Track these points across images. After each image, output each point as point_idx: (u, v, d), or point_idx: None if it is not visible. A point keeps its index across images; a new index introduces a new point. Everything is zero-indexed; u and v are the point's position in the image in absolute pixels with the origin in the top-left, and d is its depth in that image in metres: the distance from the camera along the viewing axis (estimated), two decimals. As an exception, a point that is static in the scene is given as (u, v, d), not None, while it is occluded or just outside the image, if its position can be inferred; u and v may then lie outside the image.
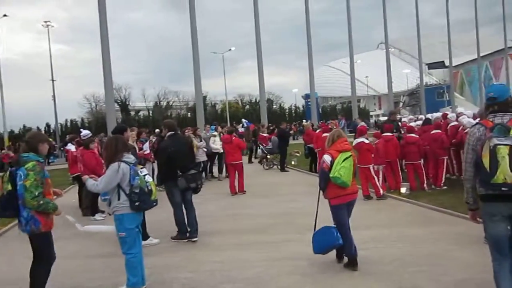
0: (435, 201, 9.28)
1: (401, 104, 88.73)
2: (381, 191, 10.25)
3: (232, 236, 7.72)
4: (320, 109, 58.83)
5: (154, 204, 5.15)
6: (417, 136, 10.98)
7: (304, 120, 41.19)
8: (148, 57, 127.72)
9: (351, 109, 63.13)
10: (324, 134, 12.53)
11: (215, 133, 15.45)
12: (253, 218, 9.06)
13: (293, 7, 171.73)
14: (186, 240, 7.43)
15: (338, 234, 5.56)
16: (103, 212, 9.58)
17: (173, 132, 7.85)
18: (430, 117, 13.07)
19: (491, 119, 3.80)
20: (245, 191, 12.29)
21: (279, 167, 17.67)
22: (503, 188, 3.56)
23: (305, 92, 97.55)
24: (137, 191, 4.92)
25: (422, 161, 10.89)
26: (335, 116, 52.63)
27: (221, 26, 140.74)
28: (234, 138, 12.80)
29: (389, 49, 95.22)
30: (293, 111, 60.99)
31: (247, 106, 61.11)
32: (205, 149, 14.04)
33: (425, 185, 10.74)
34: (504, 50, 66.60)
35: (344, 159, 5.50)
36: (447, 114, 12.50)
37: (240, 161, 12.46)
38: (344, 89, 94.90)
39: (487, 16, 47.14)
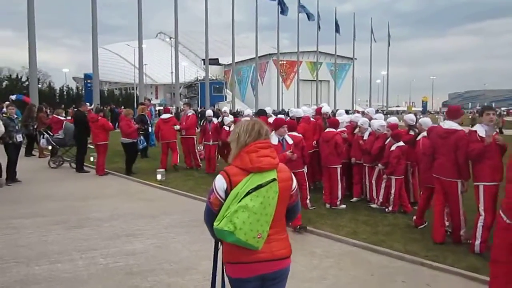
0: (342, 229, 6.58)
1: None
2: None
3: None
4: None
5: None
6: (300, 135, 8.16)
7: (88, 103, 34.75)
8: None
9: (132, 96, 59.34)
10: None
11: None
12: None
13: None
14: None
15: None
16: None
17: None
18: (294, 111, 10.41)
19: None
20: (106, 173, 11.77)
21: (73, 165, 12.68)
22: None
23: (76, 73, 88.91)
24: None
25: (305, 169, 8.16)
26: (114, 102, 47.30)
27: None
28: (100, 118, 11.86)
29: (167, 39, 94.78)
30: (65, 93, 52.37)
31: (6, 82, 49.68)
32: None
33: (307, 201, 8.01)
34: (276, 55, 71.67)
35: (253, 190, 2.42)
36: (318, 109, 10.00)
37: (106, 142, 11.82)
38: (121, 75, 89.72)
39: (253, 22, 50.82)
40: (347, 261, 5.33)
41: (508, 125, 33.64)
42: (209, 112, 12.33)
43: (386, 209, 7.69)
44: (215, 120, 11.90)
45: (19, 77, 51.48)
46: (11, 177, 10.33)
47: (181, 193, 9.28)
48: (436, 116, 53.53)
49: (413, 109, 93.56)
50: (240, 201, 2.40)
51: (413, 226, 6.71)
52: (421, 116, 16.00)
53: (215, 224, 2.43)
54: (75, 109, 16.98)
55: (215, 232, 2.47)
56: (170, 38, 73.14)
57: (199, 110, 40.88)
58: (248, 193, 2.40)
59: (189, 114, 12.43)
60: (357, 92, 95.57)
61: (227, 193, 2.48)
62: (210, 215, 2.54)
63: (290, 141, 6.90)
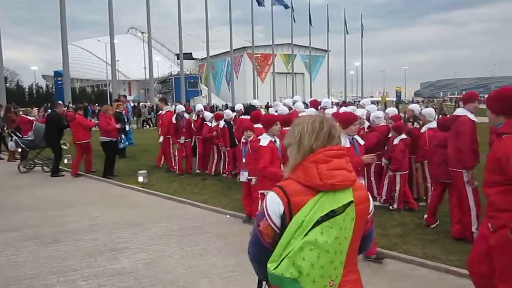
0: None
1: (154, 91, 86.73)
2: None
3: None
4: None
5: None
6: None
7: (60, 102, 33.26)
8: None
9: (105, 93, 57.80)
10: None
11: None
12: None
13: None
14: None
15: None
16: None
17: None
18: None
19: None
20: (94, 171, 11.27)
21: (45, 168, 11.77)
22: None
23: (46, 71, 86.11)
24: None
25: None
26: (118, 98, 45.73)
27: None
28: (77, 116, 11.33)
29: (139, 34, 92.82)
30: (34, 91, 50.52)
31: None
32: None
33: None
34: (250, 48, 71.01)
35: (324, 218, 1.69)
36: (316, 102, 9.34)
37: (86, 141, 11.16)
38: (93, 72, 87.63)
39: (225, 16, 50.55)
40: (368, 271, 4.72)
41: (478, 113, 33.75)
42: (180, 108, 11.25)
43: (391, 207, 7.17)
44: (186, 116, 11.02)
45: (-15, 76, 49.56)
46: (-23, 185, 9.42)
47: (166, 197, 8.55)
48: (410, 106, 53.76)
49: (387, 99, 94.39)
50: (306, 234, 1.67)
51: (425, 225, 6.20)
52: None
53: (270, 266, 1.71)
54: (50, 110, 15.99)
55: (269, 278, 1.74)
56: (142, 33, 71.47)
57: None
58: (317, 223, 1.69)
59: (162, 113, 11.36)
60: (332, 83, 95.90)
61: (284, 219, 1.75)
62: (260, 250, 1.80)
63: (362, 142, 5.25)
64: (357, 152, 4.83)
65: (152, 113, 33.35)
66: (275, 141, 5.51)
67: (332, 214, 1.70)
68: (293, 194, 1.75)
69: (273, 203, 1.77)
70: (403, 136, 7.16)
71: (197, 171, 10.86)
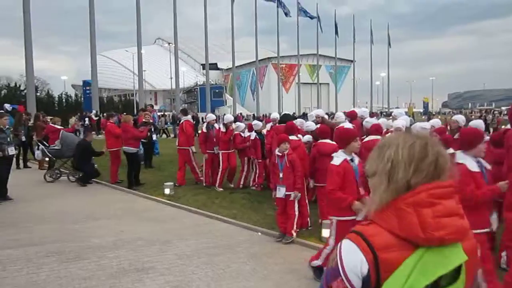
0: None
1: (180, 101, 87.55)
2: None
3: None
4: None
5: None
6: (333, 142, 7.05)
7: (95, 111, 33.44)
8: None
9: (131, 103, 58.46)
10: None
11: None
12: None
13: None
14: None
15: None
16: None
17: None
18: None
19: None
20: (119, 181, 11.05)
21: (71, 178, 11.57)
22: None
23: (75, 80, 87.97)
24: None
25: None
26: (146, 109, 46.11)
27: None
28: (108, 123, 11.97)
29: (165, 45, 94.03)
30: (64, 100, 51.32)
31: (4, 91, 48.64)
32: None
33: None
34: (275, 58, 70.90)
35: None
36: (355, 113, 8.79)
37: (116, 148, 11.18)
38: (120, 81, 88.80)
39: (251, 26, 50.88)
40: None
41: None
42: (211, 116, 10.70)
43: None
44: (217, 126, 10.37)
45: (18, 85, 50.61)
46: (2, 195, 9.20)
47: (193, 211, 8.17)
48: (439, 117, 52.57)
49: (414, 110, 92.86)
50: None
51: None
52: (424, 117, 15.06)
53: None
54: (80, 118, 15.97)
55: None
56: (169, 43, 72.32)
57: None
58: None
59: (182, 122, 10.92)
60: (357, 94, 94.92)
61: (367, 282, 1.23)
62: None
63: (488, 165, 4.08)
64: (485, 179, 3.86)
65: (168, 123, 33.46)
66: (351, 159, 4.60)
67: (441, 283, 1.19)
68: (381, 249, 1.23)
69: (353, 260, 1.24)
70: (451, 150, 6.61)
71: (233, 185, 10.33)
